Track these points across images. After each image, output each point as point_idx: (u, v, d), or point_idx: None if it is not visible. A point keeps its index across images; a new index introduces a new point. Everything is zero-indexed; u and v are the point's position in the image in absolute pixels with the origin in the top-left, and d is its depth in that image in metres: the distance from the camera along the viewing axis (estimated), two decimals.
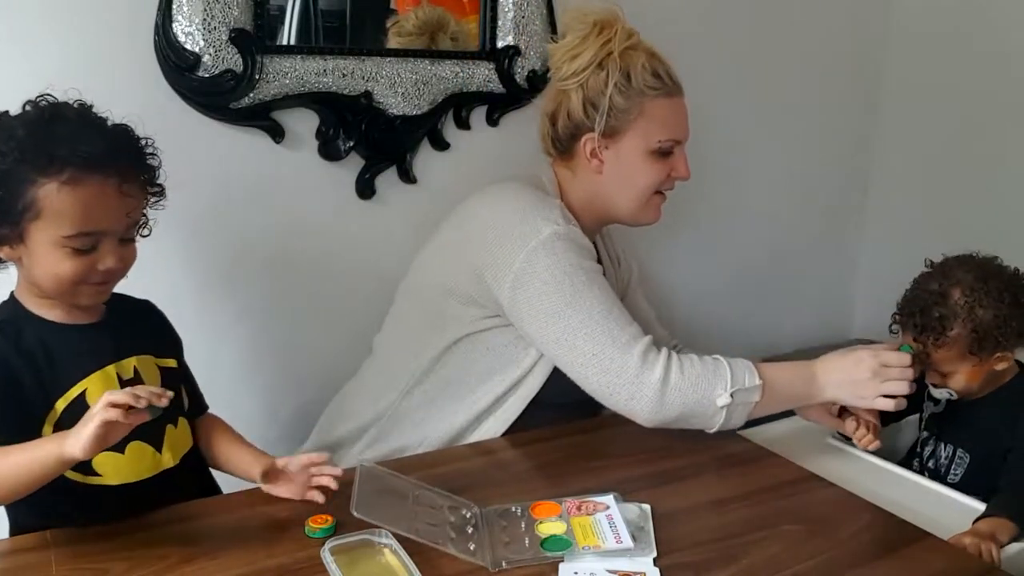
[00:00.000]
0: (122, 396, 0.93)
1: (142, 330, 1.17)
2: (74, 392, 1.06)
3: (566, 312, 1.28)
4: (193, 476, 1.20)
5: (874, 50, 2.29)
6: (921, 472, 1.44)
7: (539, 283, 1.29)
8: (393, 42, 1.67)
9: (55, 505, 1.04)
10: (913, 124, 2.25)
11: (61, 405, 1.05)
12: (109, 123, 1.07)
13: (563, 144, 1.45)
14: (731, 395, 1.26)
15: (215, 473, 1.24)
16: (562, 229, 1.32)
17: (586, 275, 1.31)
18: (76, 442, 0.93)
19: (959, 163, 2.15)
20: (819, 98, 2.24)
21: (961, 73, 2.12)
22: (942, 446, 1.43)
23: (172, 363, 1.18)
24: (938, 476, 1.42)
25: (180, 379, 1.19)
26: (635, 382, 1.26)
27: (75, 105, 1.06)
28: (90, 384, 1.07)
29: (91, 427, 0.93)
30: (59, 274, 1.03)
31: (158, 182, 1.10)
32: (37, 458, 0.96)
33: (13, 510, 1.09)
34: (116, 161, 1.04)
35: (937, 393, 1.39)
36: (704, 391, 1.26)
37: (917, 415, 1.51)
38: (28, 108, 1.05)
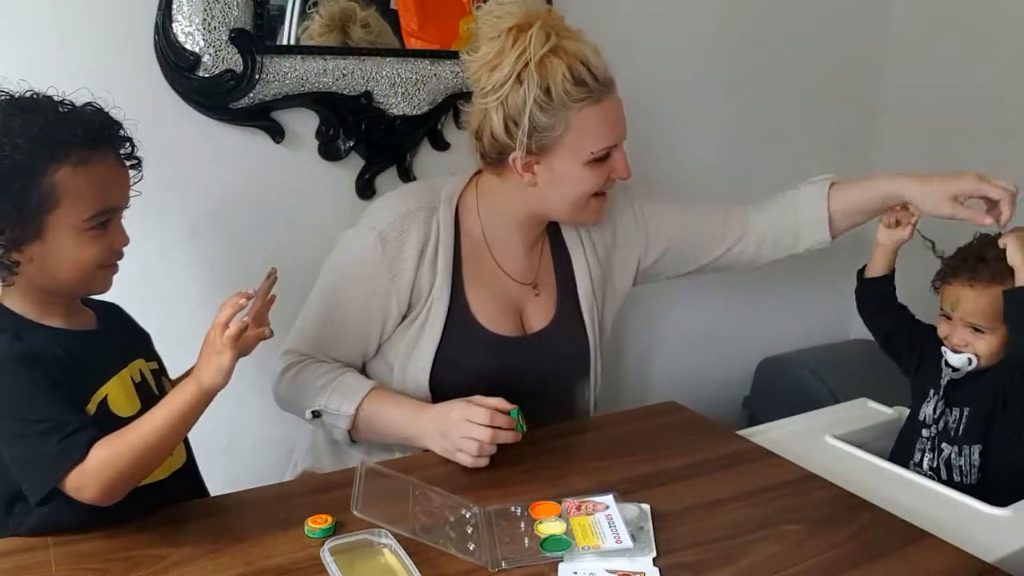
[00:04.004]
0: (229, 315, 1.01)
1: (130, 333, 1.18)
2: (98, 397, 1.05)
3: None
4: (191, 478, 1.20)
5: (875, 52, 2.28)
6: (933, 438, 1.46)
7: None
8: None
9: (72, 512, 1.02)
10: (914, 124, 2.25)
11: (92, 409, 1.04)
12: (77, 104, 1.06)
13: (492, 159, 1.37)
14: (312, 413, 1.34)
15: (211, 478, 1.26)
16: (384, 227, 1.37)
17: (337, 279, 1.38)
18: (216, 374, 0.99)
19: (959, 165, 2.14)
20: (819, 98, 2.24)
21: (962, 75, 2.11)
22: (950, 411, 1.46)
23: (155, 365, 1.17)
24: (948, 438, 1.44)
25: (165, 376, 1.19)
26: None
27: (31, 95, 1.04)
28: (110, 390, 1.06)
29: (228, 357, 0.99)
30: (82, 260, 1.02)
31: (136, 154, 1.10)
32: (176, 408, 1.00)
33: (17, 516, 1.07)
34: (109, 135, 1.05)
35: (956, 360, 1.42)
36: (298, 402, 1.37)
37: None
38: None
